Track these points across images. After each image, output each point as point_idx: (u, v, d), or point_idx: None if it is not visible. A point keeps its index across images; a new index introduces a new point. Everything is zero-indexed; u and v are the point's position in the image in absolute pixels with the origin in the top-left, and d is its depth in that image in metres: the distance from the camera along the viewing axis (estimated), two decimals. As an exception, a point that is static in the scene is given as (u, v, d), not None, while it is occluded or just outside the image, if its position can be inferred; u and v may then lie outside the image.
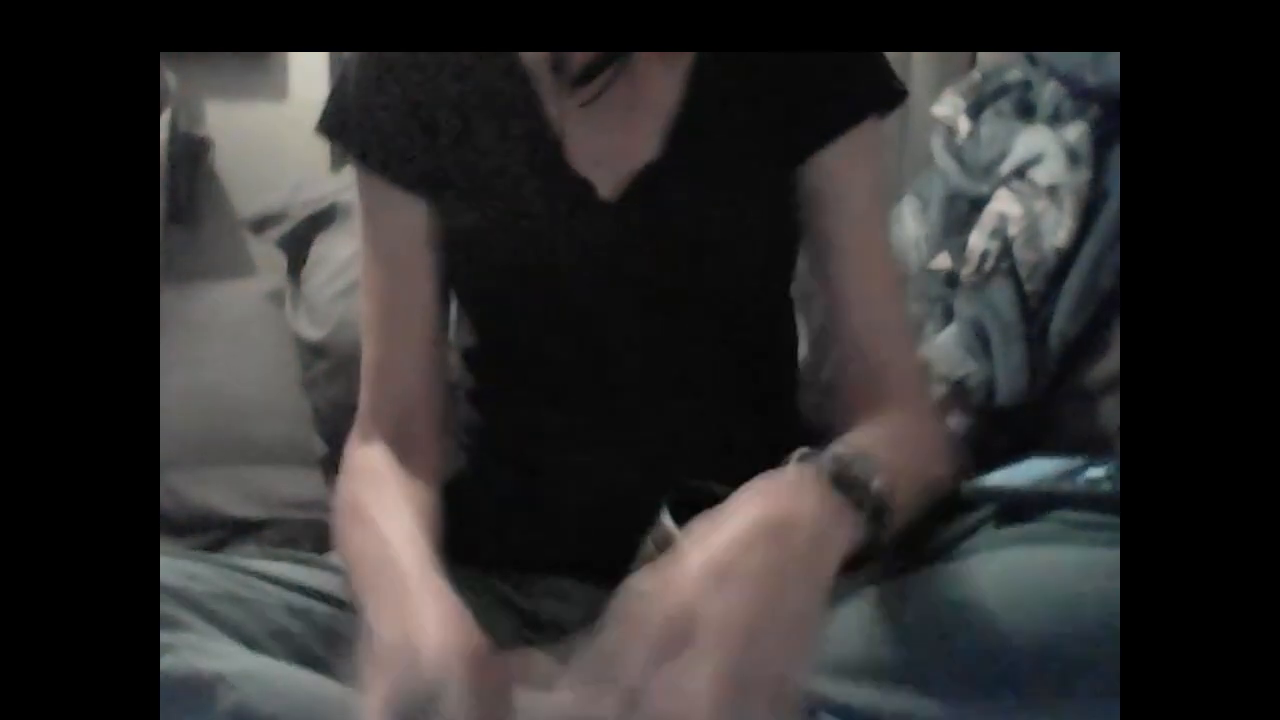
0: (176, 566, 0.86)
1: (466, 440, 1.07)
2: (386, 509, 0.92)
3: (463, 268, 1.02)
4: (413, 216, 1.01)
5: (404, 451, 0.99)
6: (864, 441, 0.82)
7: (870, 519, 0.74)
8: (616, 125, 0.99)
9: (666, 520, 0.82)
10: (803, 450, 0.77)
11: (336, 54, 1.96)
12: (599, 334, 0.99)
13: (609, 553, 0.80)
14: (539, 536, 1.01)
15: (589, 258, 0.97)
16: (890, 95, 1.03)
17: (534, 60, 0.99)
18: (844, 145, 1.00)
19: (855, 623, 0.76)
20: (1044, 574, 0.73)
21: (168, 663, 0.78)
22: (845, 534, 0.73)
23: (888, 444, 0.84)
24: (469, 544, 0.98)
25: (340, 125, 1.02)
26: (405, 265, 1.02)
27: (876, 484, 0.75)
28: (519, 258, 0.98)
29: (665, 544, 0.80)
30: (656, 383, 1.00)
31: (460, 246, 1.01)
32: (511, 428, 1.04)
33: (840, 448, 0.77)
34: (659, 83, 0.99)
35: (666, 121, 0.99)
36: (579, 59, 0.97)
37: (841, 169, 1.00)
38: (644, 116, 0.99)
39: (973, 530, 0.81)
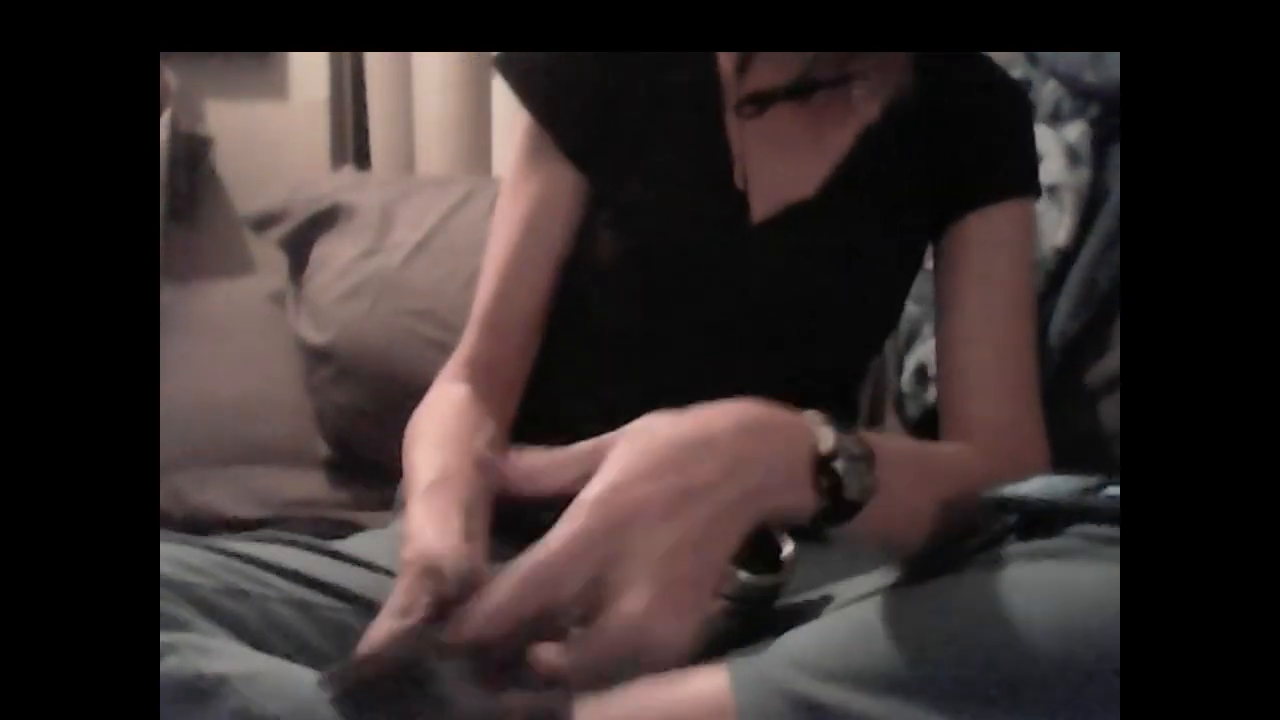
0: (179, 558, 0.86)
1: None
2: (422, 458, 0.95)
3: (594, 243, 1.05)
4: (563, 181, 1.05)
5: (488, 393, 1.03)
6: (890, 449, 0.81)
7: (827, 512, 0.75)
8: (786, 157, 1.04)
9: None
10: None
11: (337, 54, 1.97)
12: (699, 340, 1.03)
13: None
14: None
15: (719, 270, 1.02)
16: (1037, 183, 1.09)
17: (729, 67, 1.05)
18: (987, 215, 1.06)
19: (864, 630, 0.76)
20: (1060, 589, 0.72)
21: (169, 665, 0.77)
22: (789, 502, 0.73)
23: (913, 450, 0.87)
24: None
25: (521, 70, 1.06)
26: (542, 227, 1.06)
27: (853, 489, 0.75)
28: (653, 251, 1.02)
29: None
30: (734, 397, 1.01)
31: (604, 220, 1.04)
32: (572, 404, 1.05)
33: (855, 437, 0.78)
34: (834, 129, 1.05)
35: (831, 165, 1.05)
36: (763, 78, 1.03)
37: (978, 237, 1.06)
38: (813, 155, 1.05)
39: (991, 542, 0.81)
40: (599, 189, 1.05)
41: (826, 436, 0.74)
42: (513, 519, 0.97)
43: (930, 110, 1.05)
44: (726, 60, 1.06)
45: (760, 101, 1.04)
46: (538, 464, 0.72)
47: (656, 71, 1.05)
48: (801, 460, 0.73)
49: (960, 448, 0.99)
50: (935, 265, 1.09)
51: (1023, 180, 1.09)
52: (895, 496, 0.78)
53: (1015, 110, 1.10)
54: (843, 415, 1.12)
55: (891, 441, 0.81)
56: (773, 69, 1.04)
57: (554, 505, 0.73)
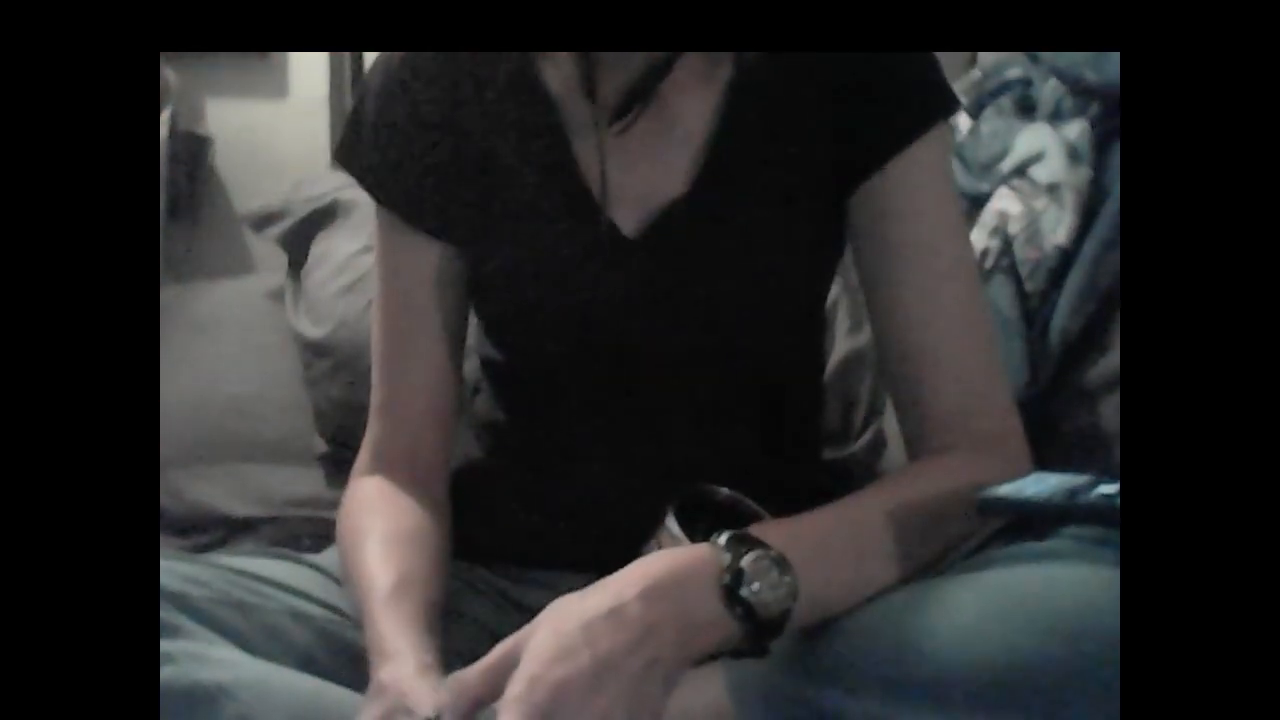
0: (177, 570, 0.86)
1: (482, 432, 1.06)
2: (376, 557, 0.91)
3: (486, 301, 1.01)
4: (429, 255, 0.99)
5: (411, 484, 0.99)
6: (802, 535, 0.80)
7: (753, 634, 0.75)
8: (644, 158, 0.94)
9: (671, 524, 0.82)
10: (730, 533, 0.77)
11: (337, 54, 1.97)
12: (624, 363, 0.96)
13: (611, 551, 0.80)
14: (543, 531, 1.01)
15: (613, 295, 0.94)
16: (946, 102, 0.96)
17: (562, 89, 0.96)
18: (900, 165, 0.92)
19: (858, 632, 0.76)
20: (1052, 590, 0.72)
21: (168, 673, 0.78)
22: (715, 638, 0.75)
23: (842, 534, 0.82)
24: (471, 532, 0.99)
25: (356, 159, 1.01)
26: (418, 304, 1.00)
27: (771, 606, 0.75)
28: (543, 295, 0.96)
29: (668, 546, 0.81)
30: (679, 407, 0.97)
31: (483, 282, 0.99)
32: (528, 431, 1.03)
33: (760, 551, 0.76)
34: (690, 111, 0.94)
35: (696, 153, 0.94)
36: (615, 85, 0.93)
37: (896, 192, 0.93)
38: (673, 148, 0.94)
39: (982, 543, 0.81)
40: (461, 249, 0.99)
41: (729, 565, 0.75)
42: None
43: (801, 62, 0.93)
44: (560, 82, 0.96)
45: (625, 111, 0.93)
46: (469, 687, 0.73)
47: (492, 117, 0.97)
48: (711, 602, 0.74)
49: (926, 471, 0.91)
50: (853, 237, 0.96)
51: (931, 108, 0.94)
52: (824, 582, 0.78)
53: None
54: (807, 416, 1.08)
55: (814, 525, 0.81)
56: (618, 72, 0.93)
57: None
